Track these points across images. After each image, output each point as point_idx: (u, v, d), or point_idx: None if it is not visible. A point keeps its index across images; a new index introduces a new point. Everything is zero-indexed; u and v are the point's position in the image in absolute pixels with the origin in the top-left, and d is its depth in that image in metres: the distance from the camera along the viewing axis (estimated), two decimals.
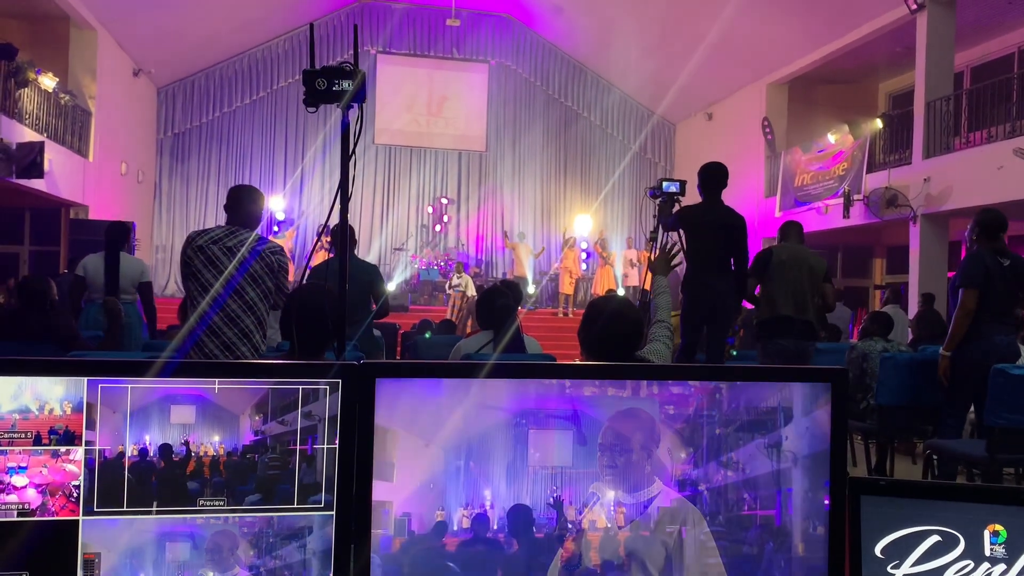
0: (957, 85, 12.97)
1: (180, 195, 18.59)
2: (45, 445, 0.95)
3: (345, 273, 2.36)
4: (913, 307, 11.45)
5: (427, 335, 6.01)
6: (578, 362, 2.26)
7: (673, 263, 3.70)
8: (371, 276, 5.36)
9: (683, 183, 5.48)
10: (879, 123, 13.69)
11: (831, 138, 14.45)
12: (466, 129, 19.75)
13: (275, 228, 16.93)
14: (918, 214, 12.18)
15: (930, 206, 11.98)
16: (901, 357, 5.46)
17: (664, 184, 5.44)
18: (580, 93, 20.07)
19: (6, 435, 0.93)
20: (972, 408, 5.18)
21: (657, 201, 5.49)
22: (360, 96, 2.22)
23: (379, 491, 0.98)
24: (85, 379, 0.95)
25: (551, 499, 1.01)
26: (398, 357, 8.33)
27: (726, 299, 5.13)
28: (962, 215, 11.50)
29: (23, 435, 0.94)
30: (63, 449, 0.95)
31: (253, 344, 3.79)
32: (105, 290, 6.32)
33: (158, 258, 17.90)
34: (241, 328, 3.74)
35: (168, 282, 17.47)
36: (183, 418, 0.96)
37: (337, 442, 1.00)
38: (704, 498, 1.05)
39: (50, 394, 0.94)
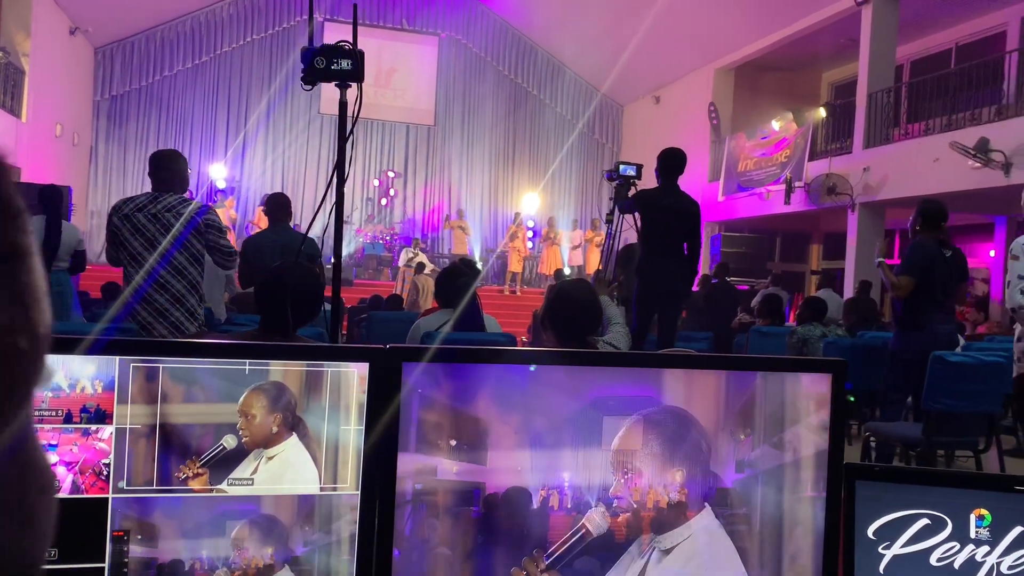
0: (897, 78, 13.33)
1: (117, 159, 18.06)
2: (76, 423, 0.95)
3: (340, 248, 2.35)
4: (848, 293, 11.79)
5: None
6: (597, 350, 2.31)
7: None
8: (310, 249, 5.32)
9: (640, 167, 5.55)
10: (822, 112, 14.00)
11: (775, 125, 14.73)
12: (415, 102, 19.57)
13: (217, 196, 16.57)
14: (856, 202, 12.52)
15: (868, 195, 12.33)
16: (843, 342, 5.65)
17: (621, 167, 5.51)
18: (531, 72, 20.04)
19: (36, 413, 0.93)
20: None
21: (614, 184, 5.56)
22: (358, 75, 2.20)
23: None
24: (117, 358, 0.95)
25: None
26: (344, 332, 8.26)
27: (678, 282, 5.24)
28: (898, 205, 11.87)
29: (54, 413, 0.94)
30: (94, 427, 0.95)
31: (187, 308, 3.81)
32: (44, 256, 6.10)
33: (93, 224, 17.38)
34: (172, 293, 3.76)
35: (103, 249, 17.00)
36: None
37: (364, 424, 1.02)
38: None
39: (82, 372, 0.94)
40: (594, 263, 15.64)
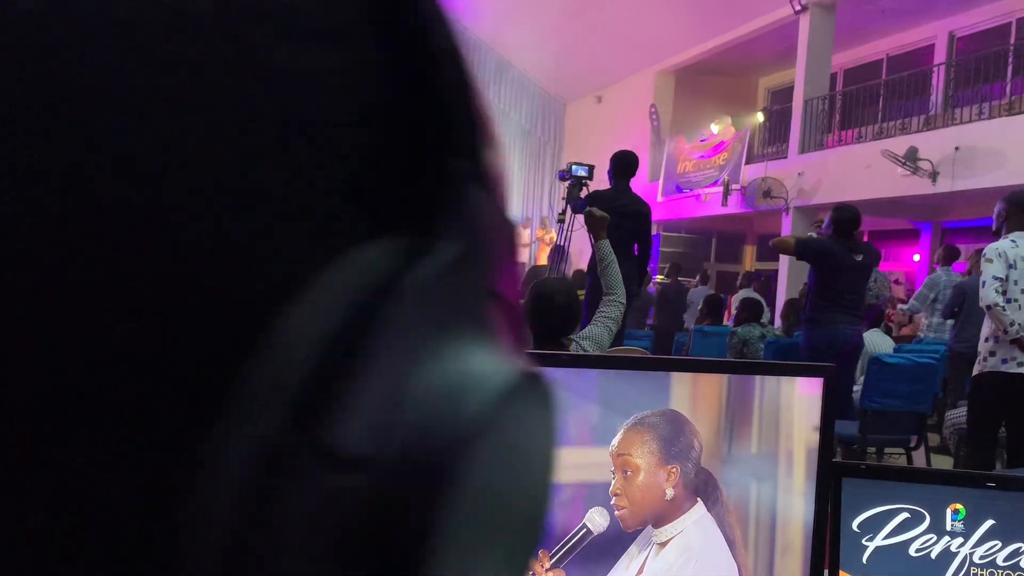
0: (832, 86, 13.74)
1: None
2: None
3: None
4: (782, 294, 12.11)
5: None
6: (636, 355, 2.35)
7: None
8: None
9: (591, 167, 5.65)
10: (760, 117, 14.36)
11: (714, 128, 15.05)
12: None
13: None
14: (791, 206, 12.87)
15: (802, 199, 12.69)
16: (783, 342, 5.84)
17: (573, 167, 5.60)
18: (475, 67, 20.00)
19: None
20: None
21: (566, 183, 5.64)
22: None
23: None
24: None
25: (620, 479, 1.15)
26: None
27: (630, 282, 5.33)
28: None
29: None
30: None
31: None
32: None
33: None
34: None
35: None
36: None
37: None
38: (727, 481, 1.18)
39: None
40: (543, 261, 15.70)
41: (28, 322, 0.15)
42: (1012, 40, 11.85)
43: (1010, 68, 11.25)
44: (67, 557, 0.16)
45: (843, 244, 5.23)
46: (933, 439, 6.54)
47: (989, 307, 4.04)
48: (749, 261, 17.67)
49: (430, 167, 0.19)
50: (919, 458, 5.65)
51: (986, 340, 4.18)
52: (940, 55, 13.13)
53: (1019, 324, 4.02)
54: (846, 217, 5.30)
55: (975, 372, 4.30)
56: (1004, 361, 4.11)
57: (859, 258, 5.25)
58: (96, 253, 0.15)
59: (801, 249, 5.34)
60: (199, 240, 0.16)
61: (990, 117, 10.46)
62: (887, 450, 5.74)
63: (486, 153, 0.20)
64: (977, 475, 1.19)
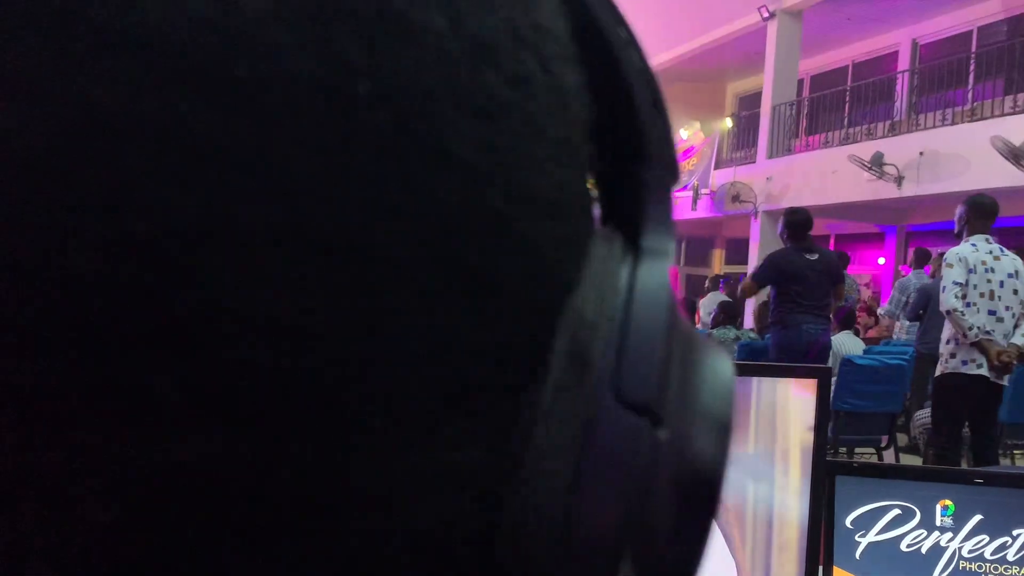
0: (799, 92, 13.94)
1: None
2: None
3: None
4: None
5: None
6: None
7: None
8: None
9: None
10: (728, 123, 14.52)
11: (683, 134, 15.18)
12: None
13: None
14: (759, 210, 13.03)
15: (770, 203, 12.84)
16: (757, 344, 5.92)
17: None
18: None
19: None
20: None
21: None
22: None
23: None
24: None
25: None
26: None
27: None
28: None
29: None
30: None
31: None
32: None
33: None
34: None
35: None
36: None
37: None
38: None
39: None
40: None
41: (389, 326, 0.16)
42: (974, 48, 12.11)
43: (972, 75, 11.51)
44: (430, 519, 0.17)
45: (797, 246, 5.30)
46: (902, 439, 6.67)
47: (949, 312, 4.12)
48: (718, 264, 17.85)
49: (630, 175, 0.22)
50: (889, 457, 5.76)
51: (947, 342, 4.26)
52: (904, 62, 13.38)
53: (978, 328, 4.11)
54: (797, 220, 5.37)
55: (937, 373, 4.38)
56: (964, 363, 4.20)
57: (813, 257, 5.29)
58: (463, 263, 0.16)
59: (759, 281, 5.46)
60: (530, 235, 0.18)
61: (953, 123, 10.68)
62: (857, 450, 5.85)
63: (673, 161, 0.22)
64: (965, 472, 1.24)
